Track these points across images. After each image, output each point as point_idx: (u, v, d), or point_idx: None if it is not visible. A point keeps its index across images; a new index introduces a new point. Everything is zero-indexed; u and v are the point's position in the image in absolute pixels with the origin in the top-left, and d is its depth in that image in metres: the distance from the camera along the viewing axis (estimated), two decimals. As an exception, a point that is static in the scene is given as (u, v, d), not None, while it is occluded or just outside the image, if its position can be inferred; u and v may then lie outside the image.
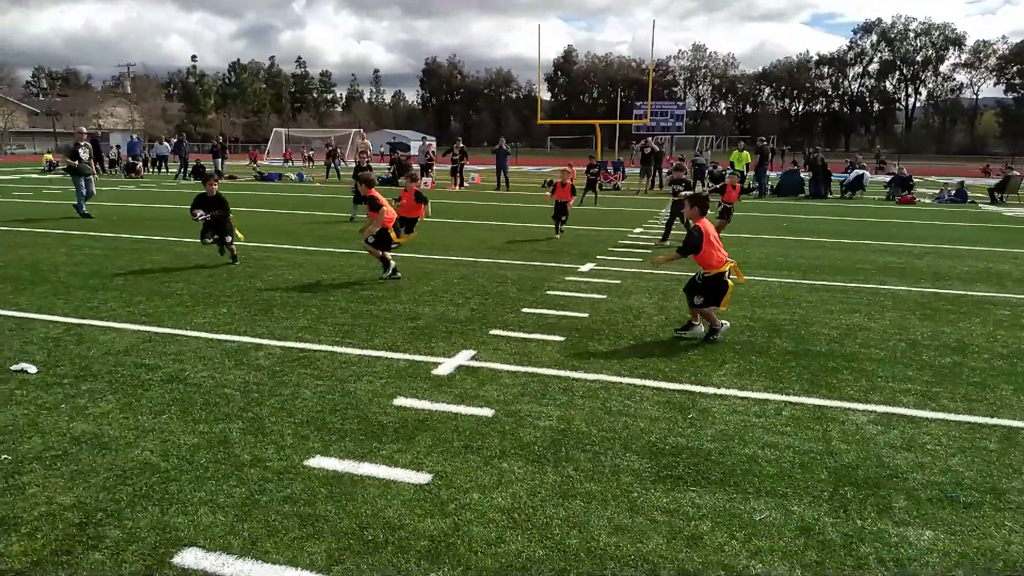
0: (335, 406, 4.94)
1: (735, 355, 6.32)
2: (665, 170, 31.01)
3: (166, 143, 40.26)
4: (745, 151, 26.14)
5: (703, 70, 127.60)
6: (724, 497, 3.78)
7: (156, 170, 37.73)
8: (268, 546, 3.24)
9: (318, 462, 4.08)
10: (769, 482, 3.96)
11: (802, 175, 28.07)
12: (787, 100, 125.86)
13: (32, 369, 5.54)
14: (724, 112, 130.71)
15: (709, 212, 7.09)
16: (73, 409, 4.79)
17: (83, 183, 16.36)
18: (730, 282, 6.71)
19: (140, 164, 35.68)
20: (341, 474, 3.95)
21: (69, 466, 3.98)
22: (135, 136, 46.18)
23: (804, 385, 5.56)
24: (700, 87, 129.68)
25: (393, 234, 9.46)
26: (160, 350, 6.12)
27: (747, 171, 26.26)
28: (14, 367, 5.58)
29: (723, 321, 6.82)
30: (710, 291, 6.60)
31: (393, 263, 9.47)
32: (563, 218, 13.95)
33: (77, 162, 16.30)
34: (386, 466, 4.05)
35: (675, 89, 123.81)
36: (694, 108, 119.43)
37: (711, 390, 5.41)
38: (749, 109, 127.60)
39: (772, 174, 29.22)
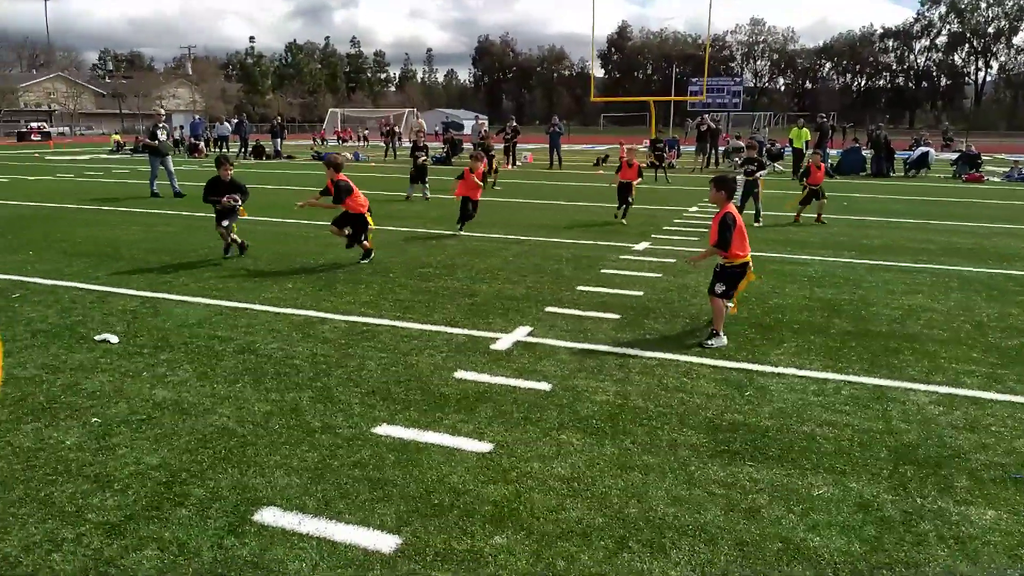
0: (399, 378, 5.12)
1: (793, 335, 6.29)
2: (722, 148, 30.53)
3: (227, 123, 41.20)
4: (804, 128, 25.45)
5: (761, 45, 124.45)
6: (781, 472, 3.82)
7: (218, 150, 38.70)
8: (341, 507, 3.42)
9: (385, 430, 4.26)
10: (827, 459, 3.98)
11: (864, 153, 27.28)
12: (848, 75, 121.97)
13: (114, 339, 5.86)
14: (782, 88, 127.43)
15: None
16: (154, 377, 5.08)
17: (159, 163, 16.87)
18: (751, 274, 6.23)
19: (202, 144, 36.61)
20: (407, 442, 4.12)
21: (153, 430, 4.24)
22: (197, 117, 47.36)
23: (864, 365, 5.51)
24: (758, 62, 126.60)
25: (370, 219, 9.08)
26: (231, 323, 6.40)
27: (806, 149, 25.62)
28: (98, 337, 5.91)
29: (723, 336, 6.01)
30: (732, 281, 6.08)
31: (369, 251, 9.15)
32: (628, 200, 13.02)
33: (157, 142, 16.83)
34: (449, 435, 4.20)
35: (732, 65, 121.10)
36: (751, 84, 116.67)
37: (768, 368, 5.41)
38: (808, 85, 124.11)
39: (832, 152, 28.47)
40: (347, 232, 9.02)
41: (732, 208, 6.08)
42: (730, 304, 6.31)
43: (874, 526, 3.32)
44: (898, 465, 3.92)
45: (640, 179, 13.44)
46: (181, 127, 43.85)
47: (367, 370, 5.27)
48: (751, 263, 6.16)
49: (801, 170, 24.30)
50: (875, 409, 4.67)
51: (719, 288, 6.03)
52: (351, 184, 8.90)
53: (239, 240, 9.47)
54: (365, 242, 9.08)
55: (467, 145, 35.17)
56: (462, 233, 11.28)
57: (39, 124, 64.81)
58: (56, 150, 41.80)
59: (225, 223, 9.24)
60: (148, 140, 17.12)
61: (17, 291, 7.48)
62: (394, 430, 4.27)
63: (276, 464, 3.83)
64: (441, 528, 3.26)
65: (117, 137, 43.74)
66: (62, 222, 12.55)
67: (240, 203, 9.30)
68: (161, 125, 17.17)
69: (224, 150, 38.04)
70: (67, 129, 73.97)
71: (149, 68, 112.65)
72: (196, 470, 3.76)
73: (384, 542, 3.15)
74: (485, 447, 4.07)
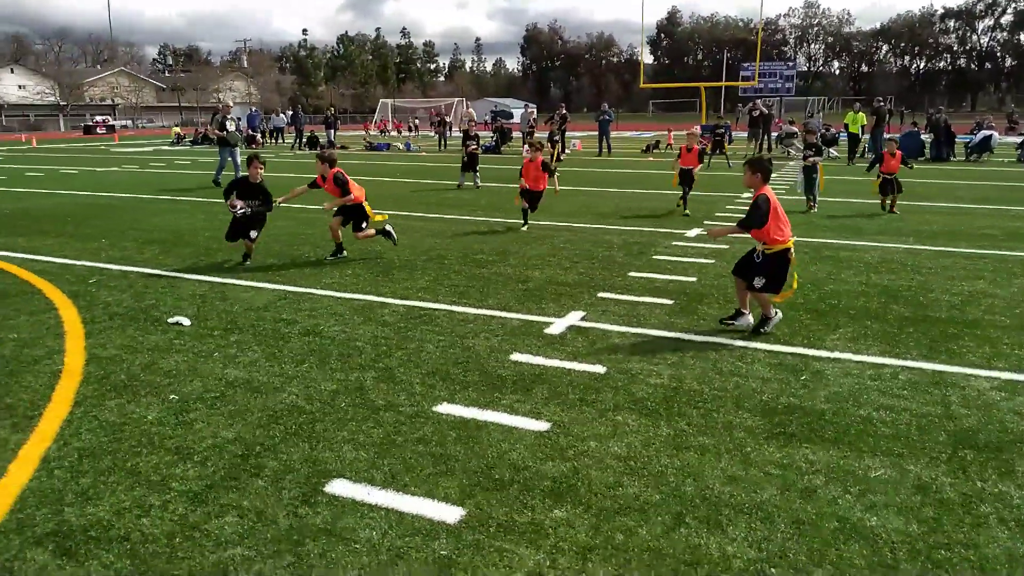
0: (456, 359, 5.27)
1: (849, 320, 6.24)
2: (774, 133, 29.99)
3: (283, 115, 42.04)
4: (861, 112, 24.85)
5: (815, 28, 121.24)
6: (838, 455, 3.85)
7: (274, 141, 39.56)
8: (406, 480, 3.58)
9: (445, 408, 4.41)
10: (884, 442, 3.99)
11: (923, 137, 26.49)
12: (907, 57, 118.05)
13: (186, 322, 6.15)
14: (837, 72, 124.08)
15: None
16: (225, 357, 5.32)
17: (227, 154, 17.26)
18: (793, 259, 5.83)
19: (259, 135, 37.45)
20: (467, 420, 4.26)
21: (227, 406, 4.47)
22: (253, 109, 48.41)
23: (922, 350, 5.46)
24: (812, 46, 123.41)
25: (369, 209, 8.75)
26: (295, 307, 6.64)
27: (862, 133, 25.01)
28: (170, 320, 6.20)
29: (776, 311, 5.93)
30: (772, 271, 5.68)
31: (343, 249, 8.79)
32: (688, 187, 12.63)
33: (225, 133, 17.24)
34: (507, 414, 4.33)
35: (784, 49, 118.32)
36: (804, 68, 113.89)
37: (824, 353, 5.40)
38: (865, 68, 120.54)
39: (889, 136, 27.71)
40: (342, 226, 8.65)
41: (767, 190, 5.77)
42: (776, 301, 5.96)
43: (933, 508, 3.34)
44: (957, 449, 3.90)
45: (701, 165, 13.05)
46: (238, 119, 44.95)
47: (426, 352, 5.43)
48: (793, 250, 5.80)
49: (857, 154, 23.78)
50: (934, 394, 4.64)
51: (758, 282, 5.67)
52: (347, 176, 8.59)
53: (252, 250, 8.56)
54: (369, 230, 8.78)
55: (516, 134, 35.23)
56: (523, 229, 10.87)
57: (104, 117, 67.11)
58: (121, 143, 43.24)
59: (254, 234, 8.39)
60: (217, 131, 17.56)
61: (93, 276, 7.87)
62: (454, 409, 4.41)
63: (344, 439, 4.01)
64: (503, 501, 3.39)
65: (177, 129, 45.08)
66: (131, 211, 13.06)
67: (249, 211, 8.24)
68: (230, 117, 17.60)
69: (280, 141, 38.90)
70: (130, 122, 76.41)
71: (206, 62, 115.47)
72: (269, 444, 3.97)
73: (449, 513, 3.29)
74: (542, 426, 4.18)
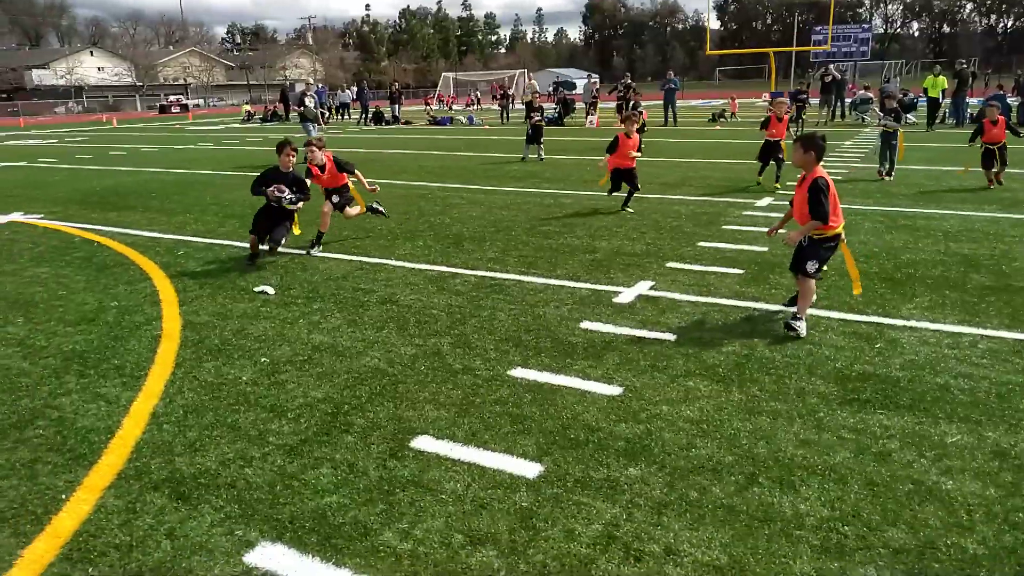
0: (528, 327, 5.42)
1: (926, 289, 6.13)
2: (848, 99, 28.95)
3: (348, 91, 42.67)
4: (941, 76, 23.76)
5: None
6: (913, 420, 3.86)
7: (340, 117, 40.24)
8: (486, 437, 3.76)
9: (520, 373, 4.57)
10: (962, 409, 3.97)
11: (1009, 100, 25.19)
12: (993, 16, 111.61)
13: (271, 291, 6.46)
14: (916, 34, 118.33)
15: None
16: (309, 323, 5.60)
17: (311, 128, 17.75)
18: (846, 248, 5.36)
19: (326, 111, 38.16)
20: (541, 383, 4.41)
21: (315, 368, 4.73)
22: (320, 85, 49.21)
23: (1004, 320, 5.34)
24: (888, 7, 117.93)
25: (353, 189, 8.32)
26: (372, 277, 6.89)
27: (942, 98, 23.95)
28: (256, 289, 6.53)
29: (804, 324, 5.12)
30: (824, 256, 5.21)
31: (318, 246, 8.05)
32: (780, 157, 11.67)
33: (303, 108, 17.84)
34: (580, 379, 4.46)
35: (859, 11, 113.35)
36: (881, 30, 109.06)
37: (900, 322, 5.35)
38: (946, 28, 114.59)
39: (972, 100, 26.49)
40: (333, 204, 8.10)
41: (822, 171, 5.14)
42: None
43: (1011, 473, 3.34)
44: (1039, 417, 3.86)
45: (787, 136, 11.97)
46: (313, 95, 45.88)
47: (498, 320, 5.60)
48: (844, 235, 5.28)
49: (936, 120, 22.81)
50: (1015, 363, 4.56)
51: (811, 267, 5.13)
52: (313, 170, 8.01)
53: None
54: (356, 208, 8.38)
55: (579, 105, 34.97)
56: (629, 210, 9.88)
57: (177, 97, 69.31)
58: (194, 121, 44.68)
59: (281, 236, 7.43)
60: (297, 107, 18.18)
61: (181, 249, 8.30)
62: (528, 373, 4.57)
63: (425, 399, 4.22)
64: (579, 459, 3.54)
65: (247, 107, 46.26)
66: (210, 187, 13.61)
67: (292, 199, 7.35)
68: (310, 94, 18.12)
69: (346, 117, 39.54)
70: (201, 101, 78.65)
71: (272, 40, 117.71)
72: (356, 403, 4.21)
73: (528, 469, 3.46)
74: (615, 390, 4.30)
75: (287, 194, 7.28)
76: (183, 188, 13.58)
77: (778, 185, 11.63)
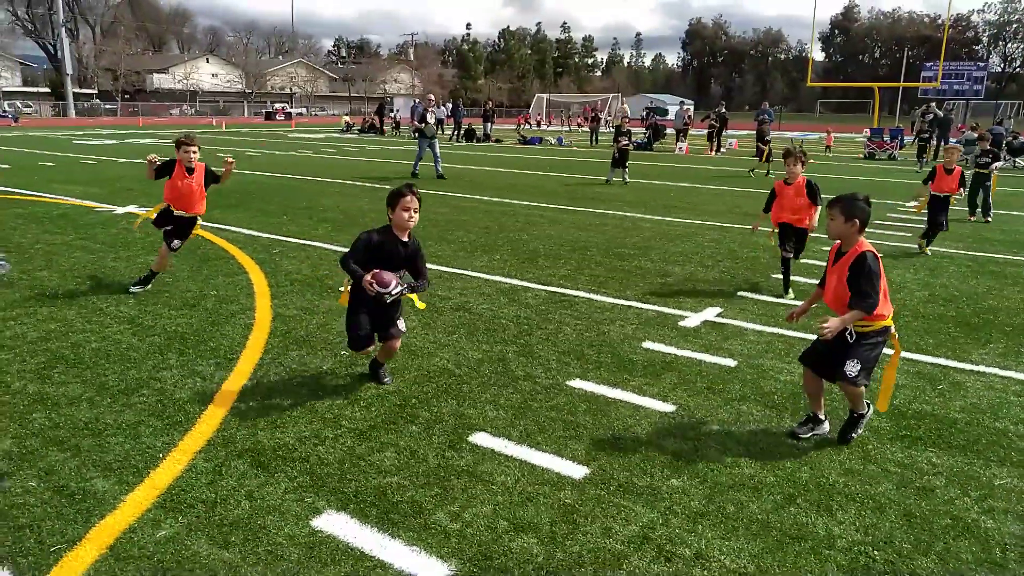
0: (591, 342, 5.63)
1: (1003, 336, 6.03)
2: (954, 140, 27.88)
3: (443, 107, 43.86)
4: (1057, 120, 22.71)
5: (1015, 25, 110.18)
6: (963, 461, 3.88)
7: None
8: (539, 439, 4.00)
9: (578, 384, 4.80)
10: (1016, 454, 3.96)
11: None
12: None
13: (354, 291, 6.90)
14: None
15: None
16: (387, 323, 5.98)
17: (426, 145, 17.65)
18: (896, 342, 4.15)
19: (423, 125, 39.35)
20: (597, 395, 4.63)
21: (389, 365, 5.08)
22: (417, 100, 50.75)
23: (1080, 372, 5.22)
24: (1008, 45, 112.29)
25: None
26: (448, 285, 7.25)
27: (1056, 143, 22.81)
28: (341, 288, 6.95)
29: (869, 404, 4.20)
30: (869, 355, 3.95)
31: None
32: (942, 221, 9.68)
33: (424, 125, 17.74)
34: (635, 394, 4.65)
35: (976, 48, 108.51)
36: (998, 69, 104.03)
37: (968, 366, 5.30)
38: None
39: (1091, 147, 25.05)
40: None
41: (867, 244, 3.94)
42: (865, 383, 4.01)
43: (1056, 519, 3.34)
44: (1097, 468, 3.82)
45: (963, 191, 10.10)
46: (398, 110, 47.41)
47: (563, 333, 5.84)
48: (894, 328, 4.07)
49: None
50: (1083, 415, 4.49)
51: (853, 369, 3.90)
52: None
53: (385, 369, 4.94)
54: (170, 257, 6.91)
55: (669, 131, 34.91)
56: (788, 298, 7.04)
57: (282, 105, 72.77)
58: (296, 129, 46.82)
59: (402, 325, 4.68)
60: (418, 123, 18.05)
61: (276, 247, 8.90)
62: (586, 384, 4.79)
63: (486, 400, 4.50)
64: (624, 467, 3.74)
65: (347, 118, 48.15)
66: (307, 192, 14.39)
67: (404, 290, 4.43)
68: (431, 109, 18.04)
69: (441, 133, 40.61)
70: (304, 110, 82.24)
71: (375, 54, 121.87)
72: (423, 398, 4.52)
73: (575, 470, 3.68)
74: (668, 408, 4.47)
75: (394, 286, 4.31)
76: (282, 191, 14.41)
77: (924, 246, 9.56)
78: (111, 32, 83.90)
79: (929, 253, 9.42)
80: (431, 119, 17.93)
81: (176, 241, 6.76)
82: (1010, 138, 24.45)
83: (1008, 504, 3.46)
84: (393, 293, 4.34)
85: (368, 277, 4.28)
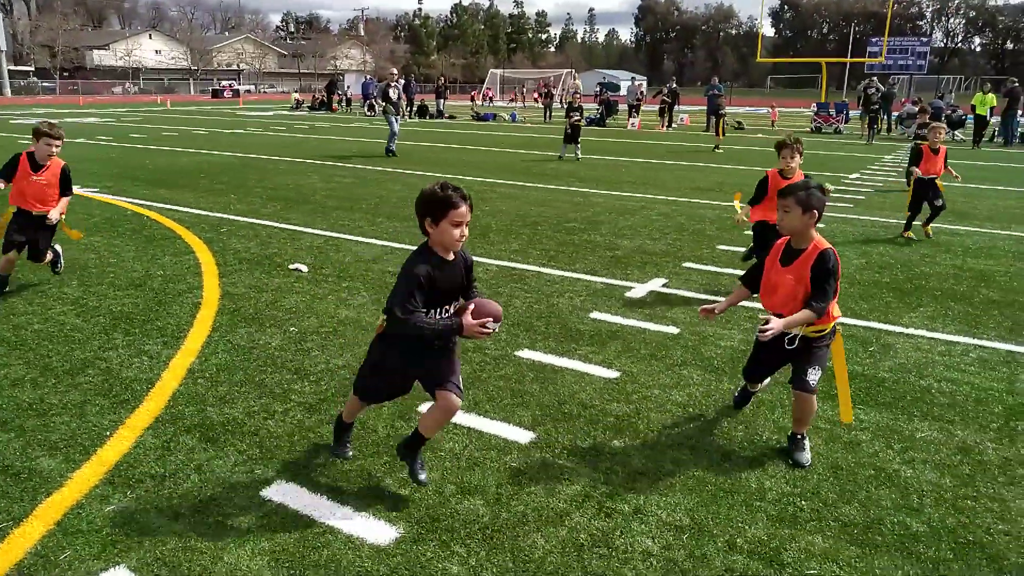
0: (540, 314, 5.74)
1: (932, 300, 6.31)
2: (895, 114, 28.64)
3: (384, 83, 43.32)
4: (990, 93, 23.42)
5: (956, 1, 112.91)
6: (889, 416, 4.10)
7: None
8: (487, 407, 4.10)
9: (526, 354, 4.90)
10: (938, 410, 4.19)
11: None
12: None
13: (304, 268, 6.89)
14: (978, 49, 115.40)
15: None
16: (338, 300, 6.01)
17: (394, 121, 17.18)
18: (840, 350, 3.75)
19: (374, 103, 38.87)
20: (544, 364, 4.74)
21: (339, 339, 5.12)
22: (368, 76, 50.05)
23: (1001, 332, 5.52)
24: (951, 20, 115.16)
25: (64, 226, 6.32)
26: (400, 260, 7.15)
27: (990, 116, 23.60)
28: (291, 266, 6.96)
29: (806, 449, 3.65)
30: (824, 359, 3.66)
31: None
32: (937, 203, 8.90)
33: (387, 103, 17.14)
34: (581, 362, 4.78)
35: (920, 23, 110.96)
36: (941, 44, 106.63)
37: (898, 329, 5.55)
38: (1010, 45, 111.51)
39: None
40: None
41: (824, 241, 3.57)
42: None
43: (970, 466, 3.57)
44: (1010, 420, 4.07)
45: (956, 177, 9.29)
46: (348, 87, 46.72)
47: (514, 306, 5.93)
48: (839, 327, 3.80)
49: (983, 139, 22.43)
50: (1001, 371, 4.76)
51: (815, 378, 3.58)
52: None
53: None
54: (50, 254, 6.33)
55: (622, 107, 35.13)
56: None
57: (230, 82, 70.97)
58: (245, 106, 45.82)
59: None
60: (382, 100, 17.55)
61: (224, 226, 8.80)
62: (534, 355, 4.90)
63: (436, 372, 4.58)
64: (569, 431, 3.86)
65: (296, 95, 47.23)
66: (256, 170, 14.18)
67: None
68: (393, 85, 17.43)
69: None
70: (253, 87, 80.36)
71: (325, 29, 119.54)
72: (372, 371, 4.58)
73: (521, 436, 3.79)
74: (613, 374, 4.61)
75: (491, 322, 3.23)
76: (230, 170, 14.18)
77: (929, 230, 9.05)
78: (47, 7, 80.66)
79: (931, 236, 8.98)
80: (394, 94, 17.36)
81: (18, 237, 5.84)
82: (949, 111, 25.19)
83: (927, 455, 3.68)
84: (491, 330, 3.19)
85: (474, 322, 3.10)
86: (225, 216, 9.43)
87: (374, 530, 2.99)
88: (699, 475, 3.45)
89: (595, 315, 5.75)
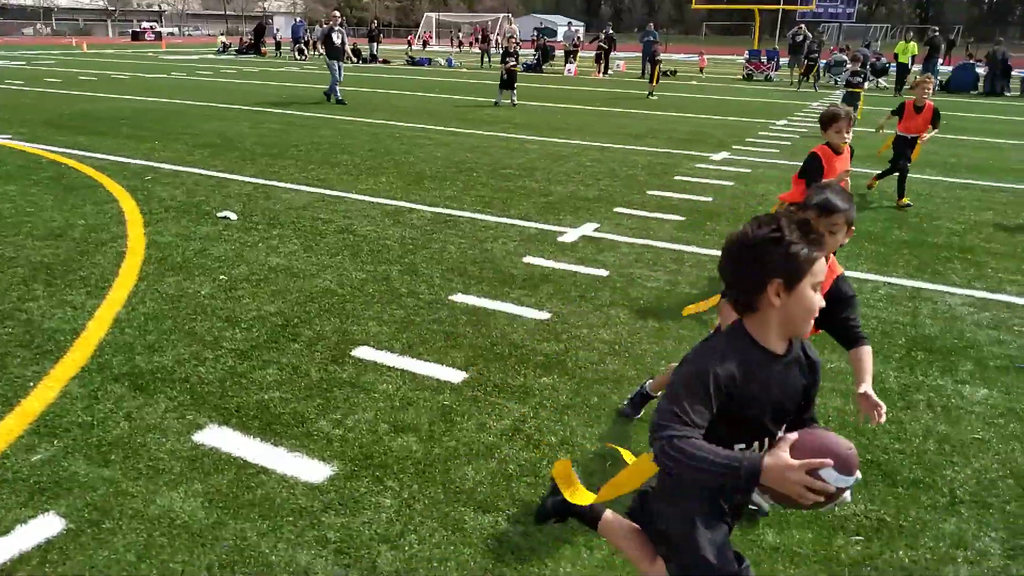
0: (474, 259, 5.81)
1: (849, 241, 6.60)
2: (823, 62, 29.19)
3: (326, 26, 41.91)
4: (912, 42, 24.11)
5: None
6: (802, 350, 4.33)
7: (316, 53, 39.62)
8: (421, 350, 4.18)
9: (460, 298, 4.98)
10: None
11: (978, 70, 25.67)
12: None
13: (233, 216, 6.76)
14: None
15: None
16: (268, 247, 5.94)
17: (337, 68, 16.47)
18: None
19: (304, 47, 37.54)
20: (478, 308, 4.83)
21: (270, 287, 5.09)
22: (298, 19, 48.20)
23: (909, 270, 5.84)
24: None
25: None
26: (331, 208, 7.21)
27: (912, 64, 24.33)
28: (219, 214, 6.83)
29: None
30: None
31: None
32: (903, 165, 8.12)
33: (330, 47, 16.43)
34: (514, 305, 4.88)
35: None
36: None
37: (815, 268, 5.81)
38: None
39: (945, 68, 26.90)
40: None
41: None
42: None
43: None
44: (911, 350, 4.37)
45: (935, 131, 8.27)
46: (278, 30, 44.98)
47: (447, 252, 5.98)
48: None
49: (905, 86, 23.16)
50: (906, 307, 5.06)
51: None
52: None
53: None
54: None
55: (559, 52, 34.86)
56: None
57: (151, 24, 67.41)
58: (168, 50, 43.69)
59: None
60: (324, 45, 16.75)
61: (149, 174, 8.52)
62: (468, 299, 4.98)
63: (370, 317, 4.62)
64: (500, 369, 3.98)
65: (223, 38, 45.22)
66: (181, 116, 13.66)
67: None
68: (336, 29, 16.69)
69: (320, 53, 38.91)
70: (176, 30, 76.55)
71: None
72: (305, 317, 4.59)
73: (454, 376, 3.89)
74: (543, 316, 4.73)
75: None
76: (154, 116, 13.62)
77: (906, 201, 8.08)
78: (-58, -61, 74.59)
79: (874, 188, 8.76)
80: (337, 39, 16.59)
81: None
82: (874, 59, 25.82)
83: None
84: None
85: (793, 464, 1.60)
86: (149, 164, 9.12)
87: (308, 469, 3.06)
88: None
89: (528, 259, 5.85)
